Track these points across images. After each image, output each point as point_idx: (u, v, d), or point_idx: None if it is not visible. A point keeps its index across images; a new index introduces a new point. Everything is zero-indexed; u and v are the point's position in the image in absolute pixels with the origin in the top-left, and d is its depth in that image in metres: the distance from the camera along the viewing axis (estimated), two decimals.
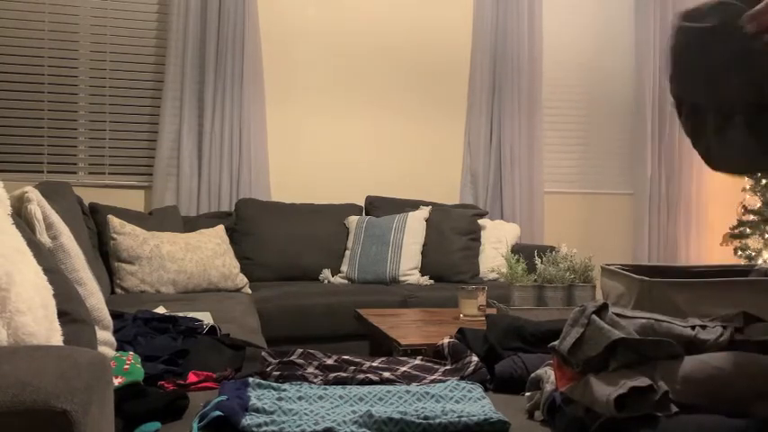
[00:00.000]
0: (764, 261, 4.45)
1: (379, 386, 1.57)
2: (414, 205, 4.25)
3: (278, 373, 1.66)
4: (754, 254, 4.51)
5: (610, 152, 5.05)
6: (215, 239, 3.62)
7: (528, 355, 1.69)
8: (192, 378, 1.63)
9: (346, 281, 3.92)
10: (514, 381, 1.62)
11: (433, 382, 1.65)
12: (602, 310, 1.31)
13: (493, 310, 2.68)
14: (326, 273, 3.95)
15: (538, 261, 2.75)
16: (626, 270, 1.82)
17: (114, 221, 3.41)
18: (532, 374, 1.49)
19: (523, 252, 3.21)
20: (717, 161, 1.24)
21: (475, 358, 1.73)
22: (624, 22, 5.04)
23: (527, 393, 1.48)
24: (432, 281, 3.94)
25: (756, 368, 1.20)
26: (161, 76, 4.14)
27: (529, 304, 2.64)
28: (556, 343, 1.34)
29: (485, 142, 4.66)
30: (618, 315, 1.31)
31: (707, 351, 1.26)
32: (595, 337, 1.26)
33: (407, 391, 1.52)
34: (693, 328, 1.31)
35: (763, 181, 4.51)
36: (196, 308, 2.78)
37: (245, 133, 4.20)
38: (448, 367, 1.77)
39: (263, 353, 1.82)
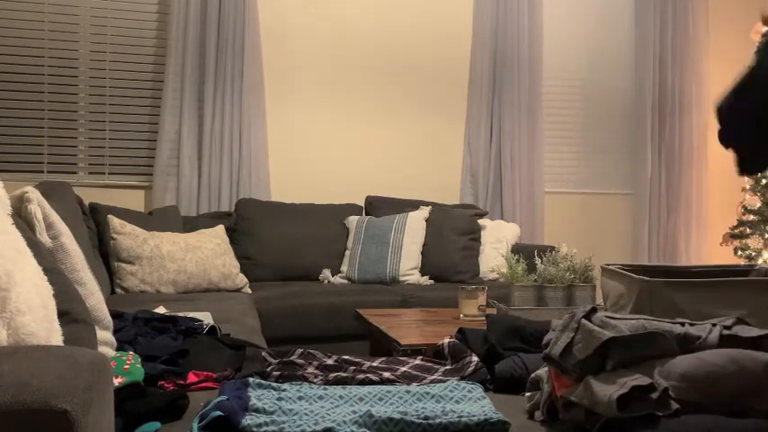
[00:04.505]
0: (764, 261, 4.45)
1: (379, 386, 1.57)
2: (414, 205, 4.25)
3: (278, 373, 1.66)
4: (754, 254, 4.51)
5: (610, 152, 5.05)
6: (215, 239, 3.62)
7: (528, 355, 1.70)
8: (191, 378, 1.63)
9: (346, 281, 3.92)
10: (514, 381, 1.62)
11: (433, 382, 1.65)
12: (591, 314, 1.32)
13: (493, 310, 2.68)
14: (326, 273, 3.95)
15: (538, 261, 2.75)
16: (626, 270, 1.82)
17: (114, 221, 3.41)
18: (532, 374, 1.49)
19: (523, 252, 3.21)
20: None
21: (475, 358, 1.73)
22: (624, 22, 5.04)
23: (527, 393, 1.48)
24: (432, 281, 3.93)
25: (754, 364, 1.20)
26: (161, 76, 4.14)
27: (529, 304, 2.64)
28: (547, 351, 1.34)
29: (485, 142, 4.66)
30: (608, 318, 1.32)
31: (699, 349, 1.27)
32: (586, 340, 1.26)
33: (407, 392, 1.52)
34: (683, 325, 1.32)
35: (764, 181, 4.51)
36: (196, 308, 2.78)
37: (245, 133, 4.20)
38: (448, 367, 1.77)
39: (263, 353, 1.82)
